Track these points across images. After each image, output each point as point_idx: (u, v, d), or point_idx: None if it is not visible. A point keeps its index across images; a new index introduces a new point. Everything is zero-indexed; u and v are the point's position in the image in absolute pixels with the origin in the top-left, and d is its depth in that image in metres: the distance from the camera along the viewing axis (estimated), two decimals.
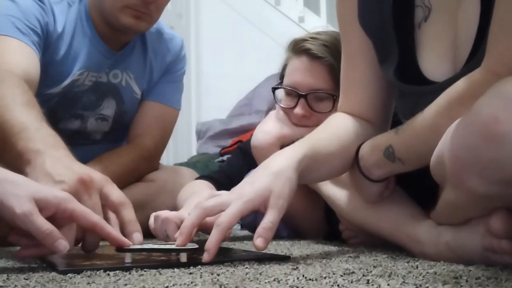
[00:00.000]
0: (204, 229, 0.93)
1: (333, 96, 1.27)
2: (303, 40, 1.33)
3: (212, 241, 0.78)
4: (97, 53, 1.46)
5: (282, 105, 1.34)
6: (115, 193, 0.86)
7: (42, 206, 0.73)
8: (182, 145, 3.29)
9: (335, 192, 1.06)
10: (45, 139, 0.95)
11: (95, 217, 0.78)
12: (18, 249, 0.76)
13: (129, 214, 0.85)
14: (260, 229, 0.80)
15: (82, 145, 1.46)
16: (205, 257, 0.77)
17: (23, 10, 1.34)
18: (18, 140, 0.95)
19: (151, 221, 1.06)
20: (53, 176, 0.85)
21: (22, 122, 0.98)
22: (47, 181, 0.84)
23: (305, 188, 1.32)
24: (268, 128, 1.32)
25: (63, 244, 0.72)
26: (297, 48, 1.32)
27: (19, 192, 0.72)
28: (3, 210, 0.71)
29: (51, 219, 0.73)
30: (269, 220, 0.80)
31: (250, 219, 1.31)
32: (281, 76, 1.38)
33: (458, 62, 0.85)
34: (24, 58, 1.27)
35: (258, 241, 0.79)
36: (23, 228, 0.72)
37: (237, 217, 0.81)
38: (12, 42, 1.28)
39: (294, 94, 1.31)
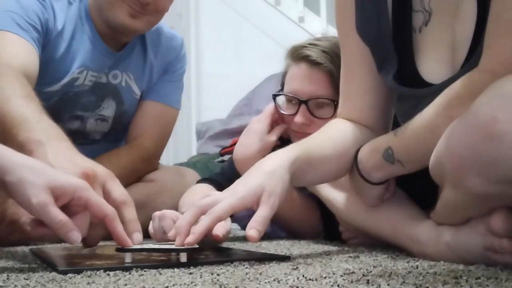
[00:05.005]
0: None
1: (333, 102, 1.28)
2: (302, 46, 1.33)
3: (200, 225, 0.79)
4: (97, 53, 1.46)
5: (283, 112, 1.35)
6: (117, 190, 0.85)
7: (58, 194, 0.73)
8: (182, 145, 3.29)
9: (335, 195, 1.06)
10: (46, 131, 0.94)
11: (109, 208, 0.78)
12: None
13: (131, 213, 0.84)
14: (252, 222, 0.81)
15: (81, 145, 1.46)
16: (189, 239, 0.78)
17: (24, 6, 1.34)
18: (19, 131, 0.94)
19: (150, 225, 1.06)
20: (56, 169, 0.84)
21: (23, 114, 0.98)
22: None
23: (301, 194, 1.32)
24: (247, 142, 1.33)
25: (76, 235, 0.72)
26: (296, 55, 1.33)
27: (36, 179, 0.72)
28: (20, 197, 0.72)
29: (65, 206, 0.74)
30: (261, 214, 0.82)
31: (243, 215, 1.31)
32: (282, 83, 1.39)
33: (456, 64, 0.85)
34: (23, 53, 1.27)
35: (251, 232, 0.80)
36: (37, 217, 0.73)
37: (229, 211, 0.82)
38: (11, 37, 1.28)
39: (295, 101, 1.32)
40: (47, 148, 0.89)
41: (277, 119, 1.36)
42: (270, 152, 0.95)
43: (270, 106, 1.36)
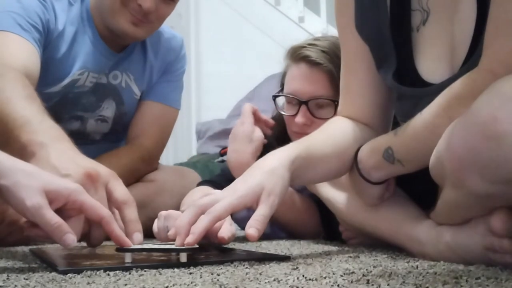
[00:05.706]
0: None
1: (334, 102, 1.27)
2: (302, 47, 1.32)
3: (199, 225, 0.79)
4: (98, 54, 1.46)
5: (283, 113, 1.34)
6: (119, 190, 0.85)
7: (52, 197, 0.73)
8: (182, 145, 3.29)
9: (334, 195, 1.06)
10: (48, 132, 0.94)
11: (104, 211, 0.78)
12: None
13: (132, 213, 0.84)
14: (251, 221, 0.81)
15: (80, 145, 1.46)
16: (189, 239, 0.78)
17: (25, 6, 1.34)
18: (21, 133, 0.94)
19: (155, 223, 1.06)
20: (59, 169, 0.84)
21: (25, 115, 0.98)
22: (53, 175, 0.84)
23: (300, 196, 1.32)
24: (239, 148, 1.32)
25: (71, 238, 0.72)
26: (296, 55, 1.33)
27: (30, 183, 0.72)
28: (14, 201, 0.72)
29: (59, 209, 0.74)
30: (260, 213, 0.82)
31: (243, 216, 1.31)
32: (282, 84, 1.39)
33: (456, 64, 0.85)
34: (24, 53, 1.27)
35: (251, 230, 0.80)
36: (32, 220, 0.72)
37: (228, 210, 0.82)
38: (13, 38, 1.28)
39: (295, 101, 1.32)
40: (49, 150, 0.89)
41: (257, 117, 1.35)
42: (262, 150, 0.94)
43: (247, 105, 1.36)
